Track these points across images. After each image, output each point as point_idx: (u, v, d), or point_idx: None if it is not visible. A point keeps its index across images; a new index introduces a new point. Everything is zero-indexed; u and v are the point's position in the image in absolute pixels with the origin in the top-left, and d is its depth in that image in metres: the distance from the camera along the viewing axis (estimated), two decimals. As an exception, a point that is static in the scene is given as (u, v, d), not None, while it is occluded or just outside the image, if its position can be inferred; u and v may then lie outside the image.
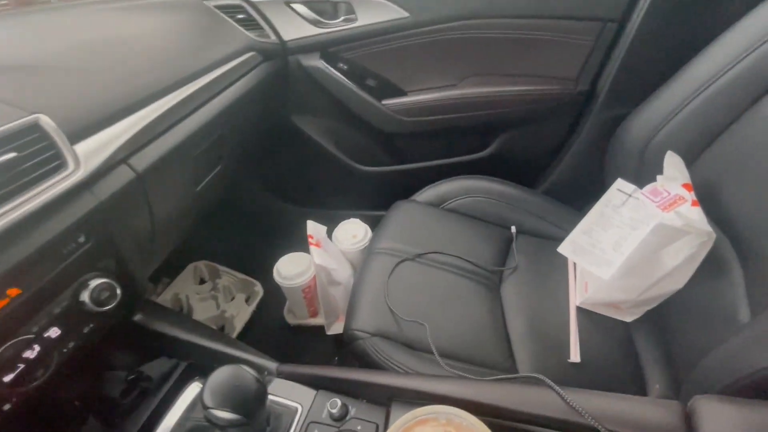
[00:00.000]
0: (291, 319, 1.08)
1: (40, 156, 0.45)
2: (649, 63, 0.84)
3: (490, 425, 0.36)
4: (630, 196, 0.64)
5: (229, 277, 1.19)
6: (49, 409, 0.50)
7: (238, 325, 1.07)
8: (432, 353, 0.62)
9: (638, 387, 0.63)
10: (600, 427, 0.34)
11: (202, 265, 1.19)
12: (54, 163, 0.46)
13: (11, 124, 0.42)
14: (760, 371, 0.36)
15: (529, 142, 1.04)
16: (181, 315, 0.79)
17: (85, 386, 0.54)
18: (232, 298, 1.16)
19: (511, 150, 1.06)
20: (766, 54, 0.60)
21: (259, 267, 1.12)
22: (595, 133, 0.95)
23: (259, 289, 1.16)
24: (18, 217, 0.41)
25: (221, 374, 0.39)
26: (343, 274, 0.91)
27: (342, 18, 0.96)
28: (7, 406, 0.42)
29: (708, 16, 0.79)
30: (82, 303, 0.48)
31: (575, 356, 0.65)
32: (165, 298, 1.11)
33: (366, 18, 0.93)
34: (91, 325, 0.50)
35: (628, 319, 0.70)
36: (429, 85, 1.00)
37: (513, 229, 0.88)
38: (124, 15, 0.72)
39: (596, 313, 0.71)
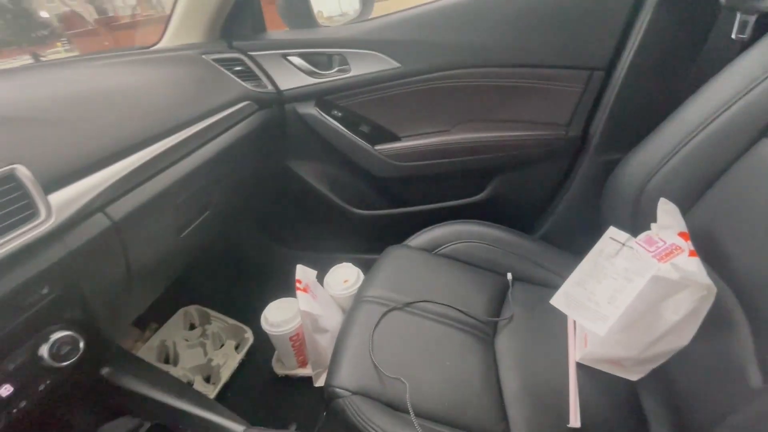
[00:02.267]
0: (279, 369, 1.03)
1: (13, 205, 0.45)
2: (639, 109, 0.84)
3: None
4: (623, 245, 0.61)
5: (219, 322, 1.16)
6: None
7: (225, 374, 1.03)
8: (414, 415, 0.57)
9: (647, 458, 0.57)
10: None
11: (192, 309, 1.17)
12: (26, 212, 0.45)
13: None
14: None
15: (524, 186, 1.02)
16: (153, 368, 0.75)
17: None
18: (222, 345, 1.12)
19: (505, 194, 1.04)
20: (759, 97, 0.59)
21: (251, 311, 1.09)
22: (589, 178, 0.94)
23: (249, 336, 1.12)
24: None
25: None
26: (331, 320, 0.88)
27: (336, 69, 0.99)
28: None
29: (693, 65, 0.80)
30: (40, 357, 0.46)
31: (575, 421, 0.59)
32: (152, 344, 1.08)
33: (359, 69, 0.96)
34: (48, 382, 0.47)
35: (633, 377, 0.65)
36: (421, 130, 1.01)
37: (509, 276, 0.84)
38: (125, 67, 0.75)
39: (599, 371, 0.66)
